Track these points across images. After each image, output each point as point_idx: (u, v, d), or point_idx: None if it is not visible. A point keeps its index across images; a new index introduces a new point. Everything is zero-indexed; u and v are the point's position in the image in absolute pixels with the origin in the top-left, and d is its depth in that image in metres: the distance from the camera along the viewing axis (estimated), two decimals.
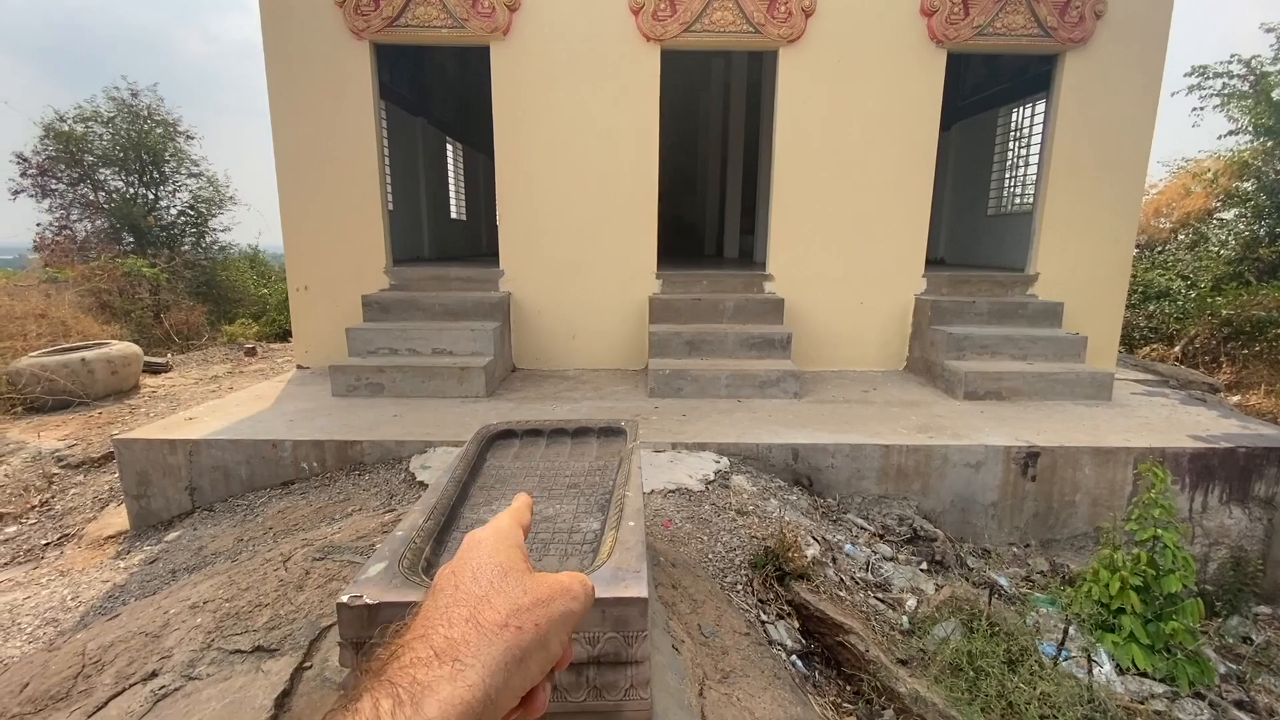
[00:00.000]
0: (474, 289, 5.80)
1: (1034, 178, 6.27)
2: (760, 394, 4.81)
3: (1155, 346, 9.25)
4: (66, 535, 4.34)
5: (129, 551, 3.69)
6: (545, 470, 2.07)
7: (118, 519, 4.24)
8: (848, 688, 2.31)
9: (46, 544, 4.25)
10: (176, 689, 1.73)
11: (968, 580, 3.66)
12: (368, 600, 1.19)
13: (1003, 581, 3.67)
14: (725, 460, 3.75)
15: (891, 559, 3.53)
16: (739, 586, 2.47)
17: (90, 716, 1.73)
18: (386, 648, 0.46)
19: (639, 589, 1.22)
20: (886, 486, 3.93)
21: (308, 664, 1.66)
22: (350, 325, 5.30)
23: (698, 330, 5.23)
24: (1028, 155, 6.73)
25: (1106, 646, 3.05)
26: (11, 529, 4.46)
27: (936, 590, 3.34)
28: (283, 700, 1.52)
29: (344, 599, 1.20)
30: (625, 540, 1.42)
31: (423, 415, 4.39)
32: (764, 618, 2.36)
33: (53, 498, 4.85)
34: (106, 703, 1.77)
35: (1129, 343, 9.45)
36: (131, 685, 1.81)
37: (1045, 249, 5.70)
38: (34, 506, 4.75)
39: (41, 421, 5.98)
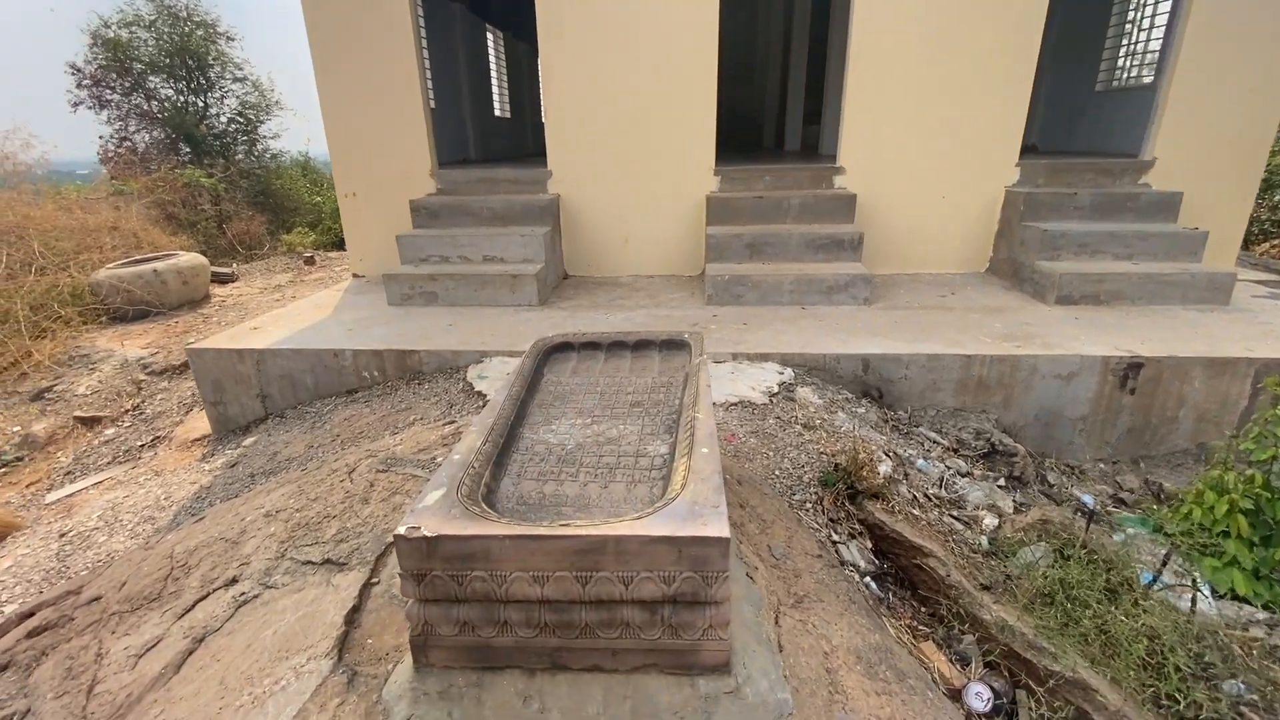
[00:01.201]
0: (522, 192, 5.55)
1: (1158, 45, 5.35)
2: (827, 300, 4.51)
3: (1278, 242, 8.22)
4: (158, 437, 4.63)
5: (212, 455, 3.89)
6: (606, 386, 1.94)
7: (201, 423, 4.46)
8: (923, 609, 2.22)
9: (141, 445, 4.54)
10: (255, 596, 1.77)
11: (1049, 497, 3.47)
12: (426, 533, 1.11)
13: (1088, 500, 3.45)
14: (789, 371, 3.56)
15: (966, 474, 3.34)
16: (808, 505, 2.36)
17: (180, 618, 1.81)
18: None
19: (720, 527, 1.09)
20: (964, 399, 3.68)
21: (374, 580, 1.66)
22: (400, 232, 5.19)
23: (759, 232, 4.88)
24: (1154, 17, 5.71)
25: (1204, 571, 2.84)
26: (110, 431, 4.79)
27: (1018, 509, 3.17)
28: (352, 616, 1.52)
29: (401, 530, 1.12)
30: (700, 470, 1.28)
31: (477, 324, 4.33)
32: (835, 538, 2.25)
33: (143, 402, 5.15)
34: (193, 605, 1.84)
35: (1245, 238, 8.42)
36: (215, 590, 1.87)
37: (1167, 131, 4.94)
38: (127, 410, 5.06)
39: (125, 330, 6.28)
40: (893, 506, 2.39)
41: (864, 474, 2.41)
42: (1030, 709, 1.83)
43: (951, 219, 5.22)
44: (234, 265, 8.86)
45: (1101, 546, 2.18)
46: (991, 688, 1.88)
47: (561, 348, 2.21)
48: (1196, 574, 2.81)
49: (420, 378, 3.87)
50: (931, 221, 5.22)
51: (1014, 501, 3.25)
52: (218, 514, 2.46)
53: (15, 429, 4.83)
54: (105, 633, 1.88)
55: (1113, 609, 1.92)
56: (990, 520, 2.91)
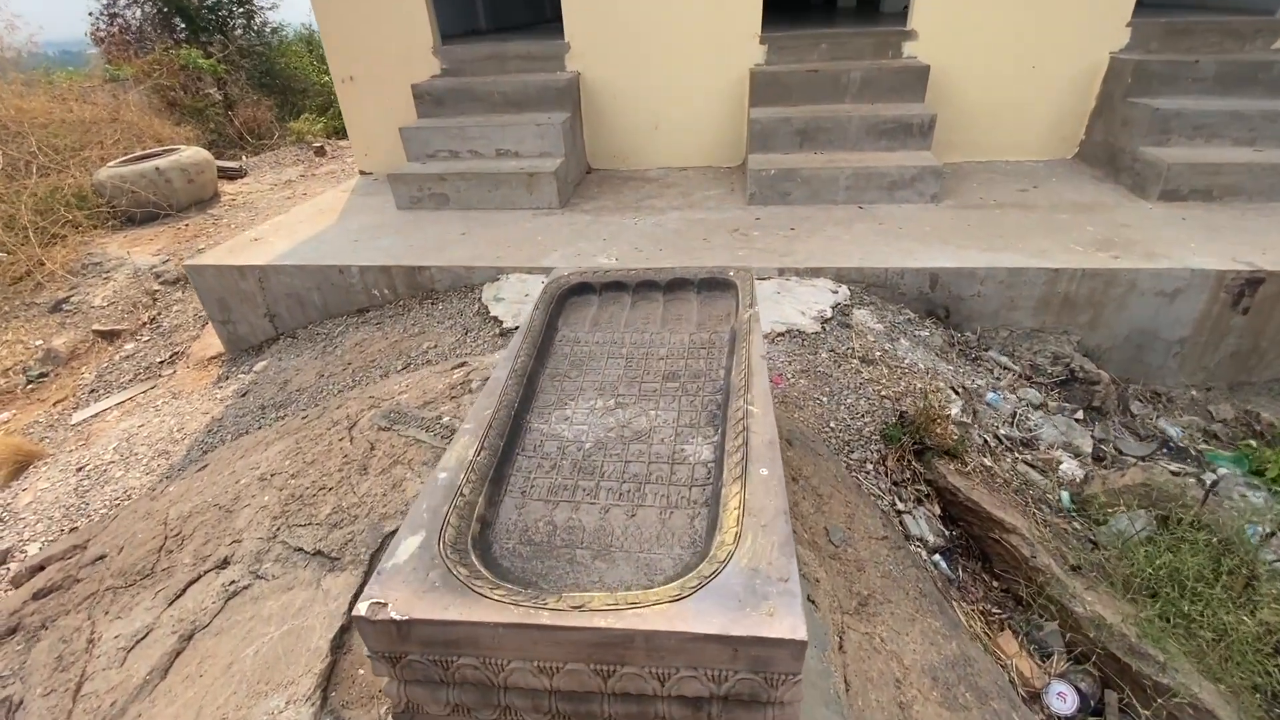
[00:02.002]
0: (537, 69, 4.86)
1: None
2: (889, 197, 3.93)
3: None
4: (176, 353, 4.50)
5: (226, 378, 3.74)
6: (633, 347, 1.58)
7: (216, 340, 4.29)
8: (995, 585, 1.96)
9: (160, 362, 4.43)
10: (245, 587, 1.59)
11: (1130, 430, 3.10)
12: (394, 614, 0.83)
13: (1173, 432, 3.07)
14: (844, 290, 3.12)
15: (1040, 406, 2.97)
16: (868, 466, 2.05)
17: (170, 604, 1.65)
18: None
19: (792, 623, 0.78)
20: (1044, 319, 3.21)
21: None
22: (404, 123, 4.65)
23: (812, 114, 4.19)
24: None
25: None
26: (130, 346, 4.68)
27: (1098, 448, 2.82)
28: (340, 638, 1.31)
29: (362, 610, 0.84)
30: (759, 507, 0.96)
31: (492, 232, 3.92)
32: (900, 506, 1.96)
33: (159, 314, 5.00)
34: (184, 590, 1.68)
35: None
36: (206, 572, 1.70)
37: None
38: (144, 324, 4.93)
39: (135, 235, 6.03)
40: (968, 468, 2.06)
41: (935, 428, 2.07)
42: (1118, 717, 1.60)
43: (1040, 95, 4.41)
44: (242, 159, 8.39)
45: (1217, 522, 1.85)
46: (1077, 688, 1.65)
47: (580, 289, 1.84)
48: (1261, 495, 2.48)
49: (433, 297, 3.55)
50: (1017, 96, 4.42)
51: (1093, 438, 2.90)
52: (217, 467, 2.28)
53: (38, 343, 4.75)
54: (99, 612, 1.75)
55: (1234, 608, 1.62)
56: (1070, 467, 2.58)
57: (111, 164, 6.42)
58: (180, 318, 4.87)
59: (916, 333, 3.07)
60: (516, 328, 3.06)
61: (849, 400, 2.32)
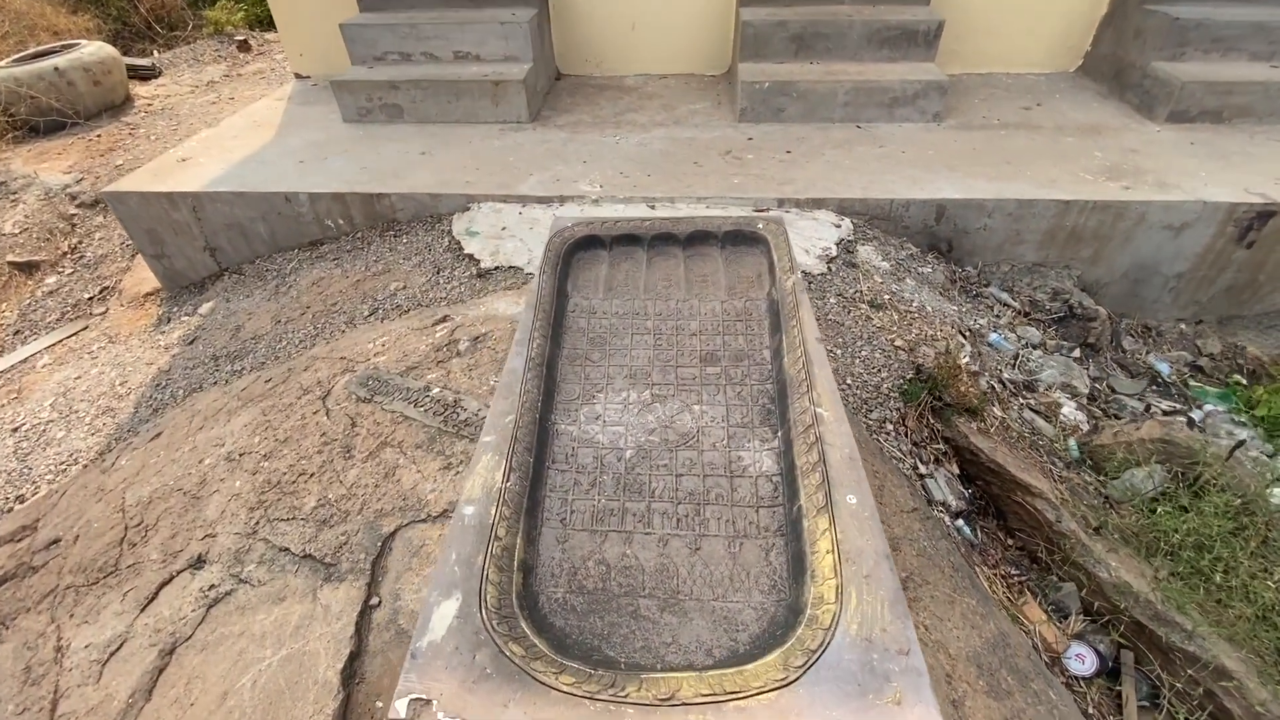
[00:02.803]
0: None
1: None
2: (889, 115, 3.66)
3: None
4: (106, 288, 4.05)
5: (168, 320, 3.37)
6: (659, 320, 1.39)
7: (151, 273, 3.85)
8: (1011, 543, 1.94)
9: (89, 299, 3.99)
10: (228, 594, 1.42)
11: (1122, 366, 3.10)
12: (442, 716, 0.68)
13: (1163, 369, 3.09)
14: (847, 223, 2.92)
15: (1039, 345, 2.93)
16: (888, 426, 1.96)
17: (143, 609, 1.48)
18: None
19: (923, 713, 0.66)
20: (1047, 253, 3.11)
21: (374, 600, 1.29)
22: (344, 18, 4.03)
23: (809, 17, 3.79)
24: None
25: None
26: (52, 280, 4.18)
27: (1094, 385, 2.81)
28: (351, 666, 1.17)
29: (400, 709, 0.69)
30: (855, 549, 0.82)
31: (457, 152, 3.51)
32: (921, 469, 1.89)
33: (80, 243, 4.46)
34: (157, 593, 1.50)
35: None
36: (179, 572, 1.52)
37: None
38: (65, 254, 4.39)
39: (41, 149, 5.28)
40: (989, 426, 1.99)
41: (957, 386, 1.97)
42: (1135, 678, 1.62)
43: (1049, 2, 4.08)
44: (153, 54, 7.33)
45: (1238, 480, 1.84)
46: (1096, 650, 1.66)
47: (586, 243, 1.60)
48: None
49: (395, 228, 3.20)
50: (1023, 3, 4.09)
51: (1089, 378, 2.89)
52: (173, 437, 2.03)
53: None
54: (63, 614, 1.56)
55: (1248, 564, 1.63)
56: (1070, 411, 2.56)
57: (2, 63, 5.51)
58: (105, 247, 4.35)
59: (920, 269, 2.93)
60: (496, 268, 2.79)
61: (863, 353, 2.19)
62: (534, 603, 0.84)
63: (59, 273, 4.26)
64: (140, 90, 6.37)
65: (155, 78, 6.68)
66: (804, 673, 0.71)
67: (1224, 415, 2.80)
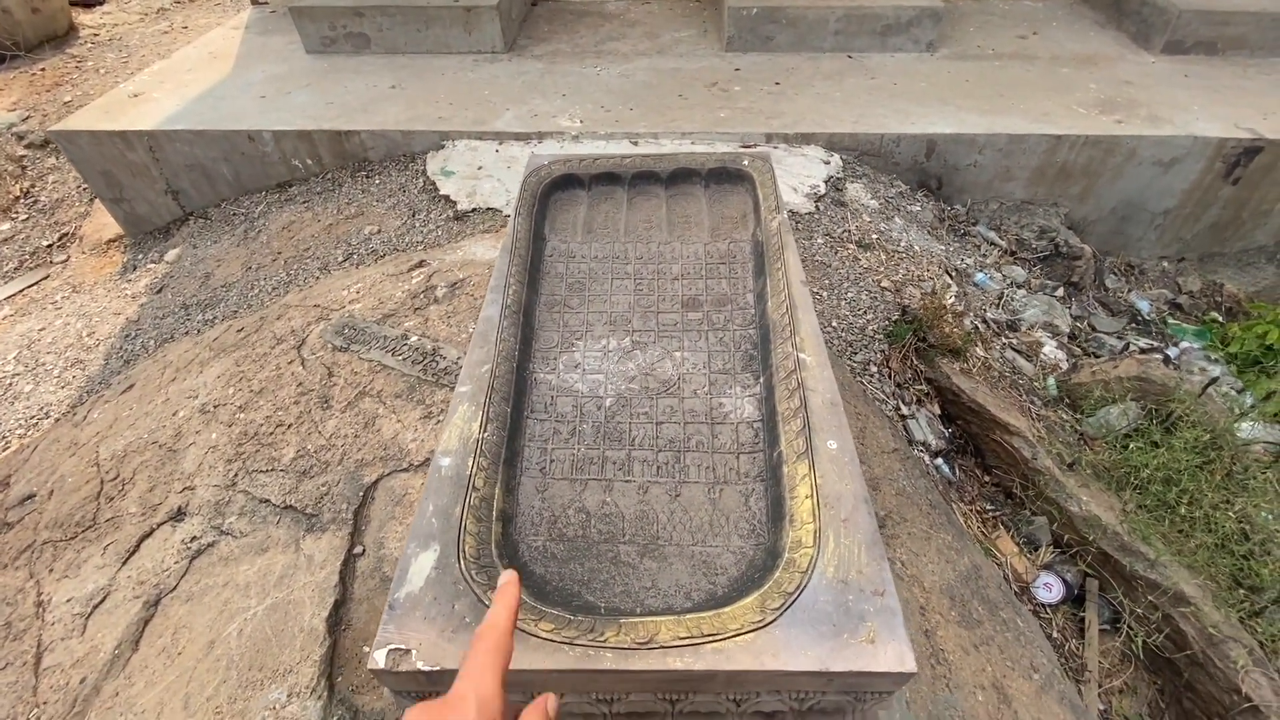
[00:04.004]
0: None
1: None
2: (881, 45, 3.51)
3: None
4: (65, 235, 3.89)
5: (134, 267, 3.25)
6: (639, 263, 1.35)
7: (112, 218, 3.69)
8: (987, 479, 1.99)
9: (49, 246, 3.83)
10: (210, 545, 1.42)
11: (1104, 305, 3.12)
12: (421, 665, 0.68)
13: (1143, 306, 3.11)
14: (836, 159, 2.84)
15: (1023, 285, 2.92)
16: (872, 368, 1.96)
17: (125, 563, 1.47)
18: None
19: (898, 649, 0.68)
20: (1037, 190, 3.06)
21: (357, 548, 1.29)
22: None
23: None
24: None
25: (1258, 391, 2.63)
26: (5, 226, 4.00)
27: (1075, 324, 2.83)
28: (337, 612, 1.18)
29: (380, 660, 0.69)
30: (834, 493, 0.82)
31: (429, 85, 3.33)
32: (904, 411, 1.90)
33: (33, 187, 4.24)
34: (138, 546, 1.49)
35: None
36: (159, 525, 1.51)
37: None
38: (18, 198, 4.18)
39: None
40: (971, 367, 2.00)
41: (941, 326, 1.96)
42: (1098, 604, 1.70)
43: None
44: None
45: (1205, 415, 1.88)
46: (1063, 579, 1.73)
47: (564, 183, 1.53)
48: (1250, 396, 2.61)
49: (367, 168, 3.06)
50: None
51: (1070, 317, 2.90)
52: (145, 389, 1.99)
53: None
54: (41, 569, 1.56)
55: (1210, 495, 1.69)
56: (1051, 350, 2.58)
57: None
58: (61, 190, 4.15)
59: (909, 208, 2.88)
60: (473, 209, 2.69)
61: (850, 294, 2.17)
62: (514, 551, 0.84)
63: (12, 219, 4.06)
64: (84, 19, 5.93)
65: (100, 4, 6.21)
66: (780, 614, 0.72)
67: (1199, 352, 2.84)
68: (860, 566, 0.76)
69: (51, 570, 1.54)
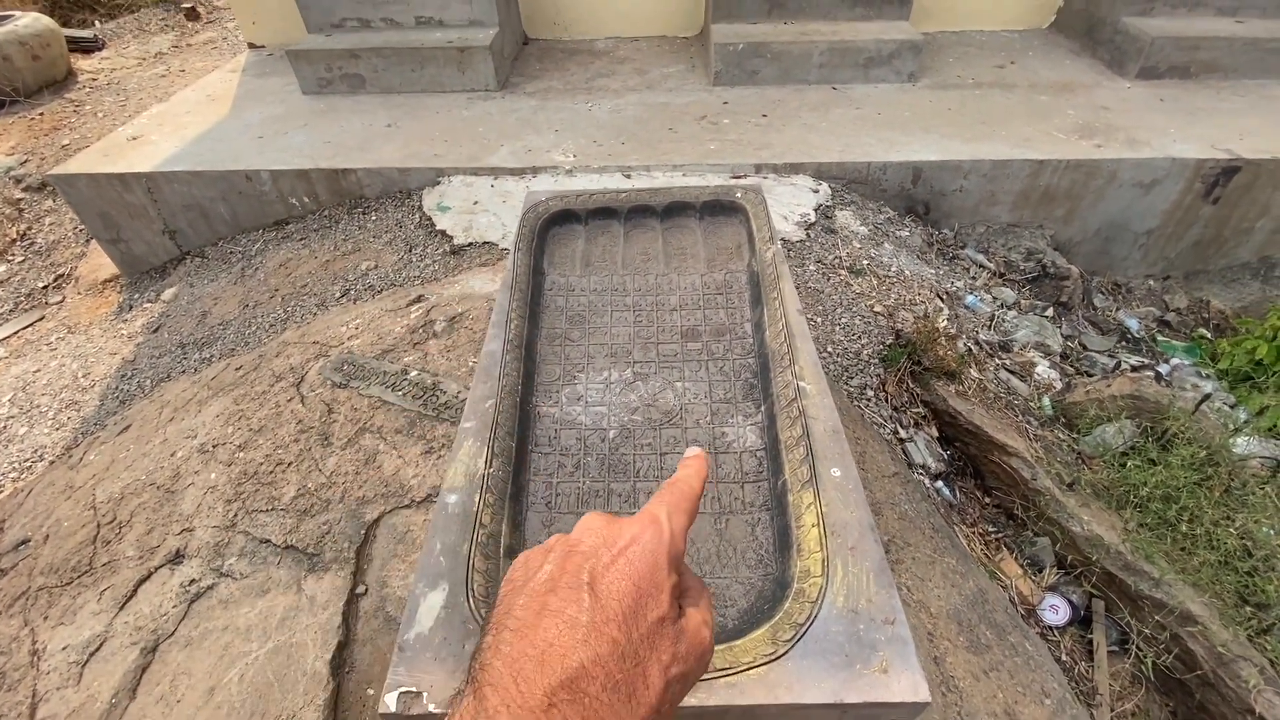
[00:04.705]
0: None
1: None
2: (864, 76, 3.61)
3: None
4: (61, 276, 3.90)
5: (130, 307, 3.25)
6: (638, 295, 1.37)
7: (109, 259, 3.71)
8: (988, 500, 1.99)
9: (44, 287, 3.84)
10: (209, 588, 1.40)
11: (1094, 324, 3.16)
12: (433, 708, 0.68)
13: (1132, 324, 3.16)
14: (825, 188, 2.90)
15: (1013, 305, 2.97)
16: (869, 393, 1.97)
17: (121, 608, 1.45)
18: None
19: (911, 679, 0.67)
20: (1022, 213, 3.13)
21: (360, 588, 1.28)
22: None
23: None
24: None
25: (1251, 406, 2.66)
26: (1, 269, 4.01)
27: (1066, 343, 2.86)
28: (340, 655, 1.16)
29: (390, 702, 0.68)
30: (840, 521, 0.83)
31: (424, 124, 3.40)
32: (902, 434, 1.91)
33: (30, 229, 4.27)
34: (135, 591, 1.47)
35: None
36: (157, 569, 1.49)
37: None
38: (14, 241, 4.20)
39: None
40: (966, 389, 2.02)
41: (935, 350, 1.99)
42: (1105, 625, 1.69)
43: None
44: (95, 25, 6.93)
45: (1201, 432, 1.90)
46: (1069, 600, 1.73)
47: (562, 218, 1.56)
48: (1243, 410, 2.64)
49: (364, 205, 3.10)
50: None
51: (1061, 336, 2.94)
52: (143, 429, 1.98)
53: None
54: (36, 617, 1.53)
55: (1211, 512, 1.69)
56: (1044, 370, 2.61)
57: None
58: (57, 232, 4.17)
59: (898, 233, 2.94)
60: (470, 244, 2.73)
61: (843, 319, 2.19)
62: None
63: (8, 261, 4.08)
64: (83, 64, 6.04)
65: (98, 50, 6.33)
66: (792, 646, 0.72)
67: (1190, 368, 2.87)
68: (869, 595, 0.76)
69: (47, 617, 1.51)
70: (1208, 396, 2.04)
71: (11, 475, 2.46)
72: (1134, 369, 2.83)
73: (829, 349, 2.07)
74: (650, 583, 0.38)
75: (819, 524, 0.83)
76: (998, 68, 3.81)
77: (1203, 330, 3.10)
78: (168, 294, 3.14)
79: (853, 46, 3.54)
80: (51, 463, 2.31)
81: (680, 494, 0.44)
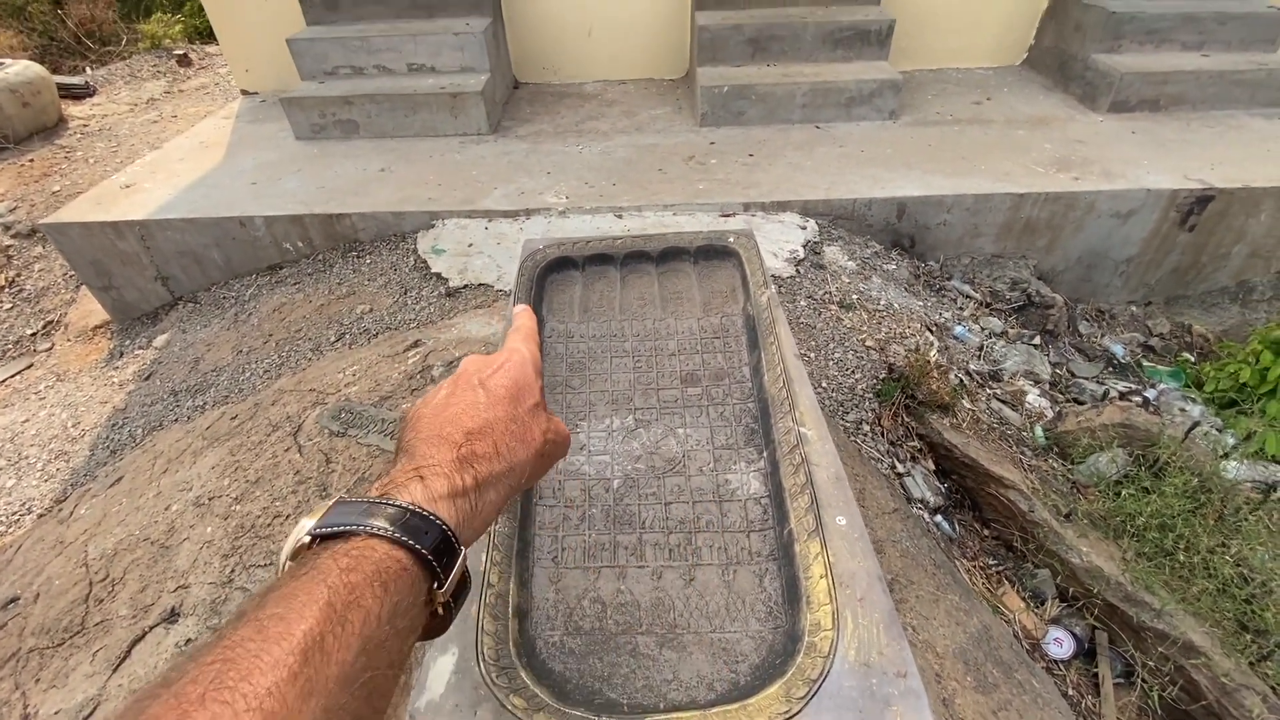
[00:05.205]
0: None
1: None
2: (846, 115, 3.72)
3: None
4: (50, 322, 3.88)
5: (121, 354, 3.23)
6: (636, 341, 1.39)
7: (100, 305, 3.70)
8: (987, 533, 2.00)
9: (33, 334, 3.81)
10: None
11: (1080, 350, 3.22)
12: None
13: (1118, 350, 3.22)
14: (813, 225, 2.97)
15: (1001, 335, 3.02)
16: (865, 427, 1.99)
17: (115, 669, 1.42)
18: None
19: None
20: (1005, 245, 3.20)
21: None
22: (290, 32, 3.92)
23: (763, 20, 3.83)
24: None
25: (1238, 430, 2.70)
26: None
27: (1054, 371, 2.91)
28: None
29: None
30: (848, 571, 0.84)
31: (417, 167, 3.45)
32: (899, 468, 1.93)
33: (18, 276, 4.25)
34: (129, 651, 1.44)
35: None
36: (151, 628, 1.46)
37: None
38: (3, 287, 4.18)
39: None
40: (960, 421, 2.04)
41: (929, 383, 2.02)
42: (1110, 658, 1.69)
43: None
44: (86, 71, 7.02)
45: (1192, 459, 1.93)
46: (1073, 634, 1.72)
47: (559, 265, 1.59)
48: (1231, 434, 2.68)
49: (358, 249, 3.13)
50: (966, 1, 4.20)
51: (1049, 364, 2.99)
52: (135, 482, 1.95)
53: None
54: (28, 679, 1.49)
55: (1206, 539, 1.71)
56: (1035, 399, 2.65)
57: None
58: (47, 278, 4.16)
59: (885, 267, 2.99)
60: (465, 286, 2.75)
61: (836, 354, 2.22)
62: (531, 649, 0.83)
63: None
64: (74, 110, 6.10)
65: (89, 96, 6.40)
66: (806, 703, 0.72)
67: (1176, 393, 2.92)
68: (881, 647, 0.76)
69: (38, 680, 1.47)
70: (1196, 424, 2.07)
71: (0, 529, 2.42)
72: (1122, 395, 2.87)
73: (823, 384, 2.10)
74: (525, 381, 0.53)
75: (827, 575, 0.84)
76: (974, 104, 3.94)
77: (1186, 354, 3.17)
78: (160, 340, 3.13)
79: (834, 87, 3.65)
80: (41, 516, 2.27)
81: (525, 333, 0.61)
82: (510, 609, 0.85)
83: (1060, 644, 1.71)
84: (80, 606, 1.58)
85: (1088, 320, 3.39)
